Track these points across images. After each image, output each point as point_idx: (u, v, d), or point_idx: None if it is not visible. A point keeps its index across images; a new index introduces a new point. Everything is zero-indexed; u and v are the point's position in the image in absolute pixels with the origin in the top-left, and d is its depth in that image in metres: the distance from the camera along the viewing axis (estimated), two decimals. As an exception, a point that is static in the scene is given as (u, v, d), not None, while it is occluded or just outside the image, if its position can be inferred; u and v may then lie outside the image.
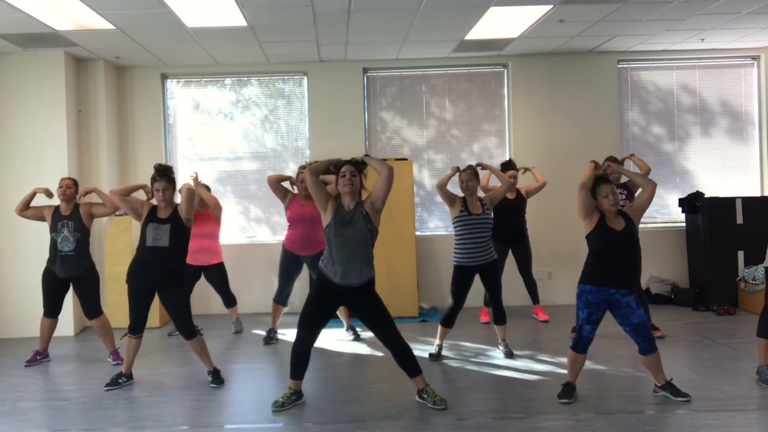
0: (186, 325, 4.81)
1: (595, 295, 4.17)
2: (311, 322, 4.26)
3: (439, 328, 5.46)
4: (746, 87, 7.95)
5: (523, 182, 7.14)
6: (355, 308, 4.40)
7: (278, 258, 6.11)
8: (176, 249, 4.76)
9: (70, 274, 5.44)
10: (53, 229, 5.43)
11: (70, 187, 5.51)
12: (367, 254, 4.18)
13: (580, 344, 4.25)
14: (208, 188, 6.46)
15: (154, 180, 4.80)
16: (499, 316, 5.41)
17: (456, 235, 5.31)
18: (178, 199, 5.05)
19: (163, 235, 4.71)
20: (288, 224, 6.00)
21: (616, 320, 4.25)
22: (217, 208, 6.31)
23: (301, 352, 4.30)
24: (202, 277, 6.49)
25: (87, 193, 5.55)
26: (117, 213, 5.88)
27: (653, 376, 4.33)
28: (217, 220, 6.51)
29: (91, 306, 5.50)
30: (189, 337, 4.84)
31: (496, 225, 5.63)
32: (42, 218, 5.52)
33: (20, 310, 6.66)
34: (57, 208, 5.51)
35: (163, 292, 4.84)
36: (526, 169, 7.00)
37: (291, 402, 4.32)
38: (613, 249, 4.15)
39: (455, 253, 5.33)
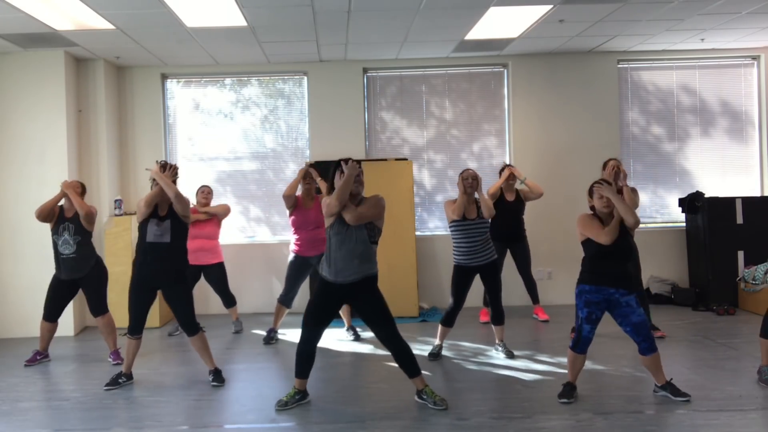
0: (189, 321, 4.83)
1: (594, 294, 4.18)
2: (315, 321, 4.27)
3: (440, 327, 5.47)
4: (746, 87, 7.95)
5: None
6: (355, 305, 4.40)
7: (278, 258, 6.11)
8: (177, 245, 4.77)
9: (72, 276, 5.44)
10: (55, 232, 5.41)
11: (77, 189, 5.43)
12: (364, 253, 4.17)
13: (580, 344, 4.25)
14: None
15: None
16: (498, 316, 5.41)
17: (453, 239, 5.34)
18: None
19: (165, 231, 4.72)
20: (293, 229, 6.03)
21: (616, 320, 4.25)
22: (224, 213, 6.59)
23: (306, 351, 4.31)
24: (202, 278, 6.51)
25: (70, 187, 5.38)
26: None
27: (653, 376, 4.33)
28: (218, 221, 6.53)
29: (96, 303, 5.49)
30: (191, 334, 4.85)
31: (495, 225, 5.66)
32: (53, 217, 5.43)
33: (20, 310, 6.66)
34: (61, 208, 5.47)
35: (167, 289, 4.85)
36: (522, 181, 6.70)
37: (295, 401, 4.32)
38: (607, 255, 4.15)
39: (454, 253, 5.34)
